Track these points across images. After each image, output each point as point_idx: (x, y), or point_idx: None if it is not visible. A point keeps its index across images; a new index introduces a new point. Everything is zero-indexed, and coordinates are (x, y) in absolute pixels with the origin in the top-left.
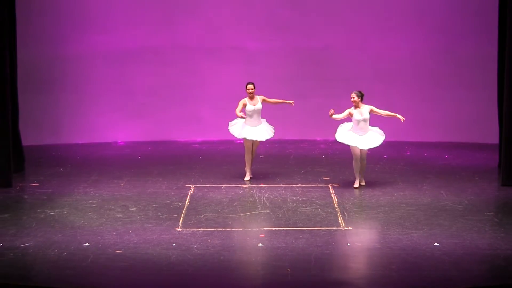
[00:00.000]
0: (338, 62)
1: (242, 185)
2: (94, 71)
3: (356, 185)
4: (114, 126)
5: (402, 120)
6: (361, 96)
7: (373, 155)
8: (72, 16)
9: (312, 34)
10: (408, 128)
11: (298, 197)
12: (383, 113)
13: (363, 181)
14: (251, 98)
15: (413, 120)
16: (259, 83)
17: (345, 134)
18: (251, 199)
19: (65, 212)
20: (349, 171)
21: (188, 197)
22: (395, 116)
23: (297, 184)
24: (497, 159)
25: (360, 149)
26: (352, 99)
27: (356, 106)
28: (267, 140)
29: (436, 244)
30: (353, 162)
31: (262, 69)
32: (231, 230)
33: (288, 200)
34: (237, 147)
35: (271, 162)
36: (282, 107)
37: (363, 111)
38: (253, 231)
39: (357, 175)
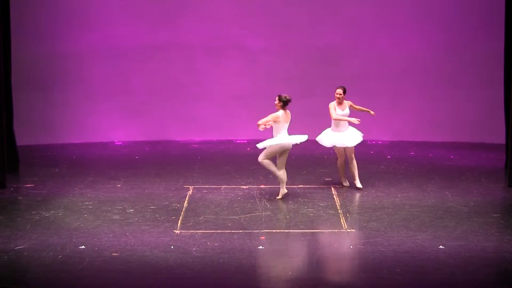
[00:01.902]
0: (343, 60)
1: (242, 186)
2: (90, 69)
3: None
4: (111, 125)
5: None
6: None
7: (376, 156)
8: (69, 13)
9: (316, 31)
10: (413, 127)
11: (299, 199)
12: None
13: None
14: (340, 103)
15: (418, 119)
16: (261, 82)
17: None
18: (251, 201)
19: (61, 214)
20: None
21: (186, 199)
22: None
23: (299, 185)
24: (503, 159)
25: (345, 148)
26: (338, 95)
27: (340, 102)
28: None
29: (441, 246)
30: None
31: (263, 68)
32: (231, 232)
33: (289, 202)
34: (237, 147)
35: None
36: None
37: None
38: (254, 233)
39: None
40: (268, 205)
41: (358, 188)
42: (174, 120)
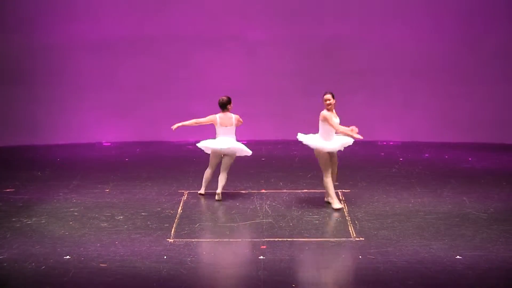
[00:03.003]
0: (351, 53)
1: (241, 191)
2: (76, 62)
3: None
4: (99, 124)
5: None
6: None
7: (387, 158)
8: (54, 1)
9: (322, 21)
10: (427, 127)
11: (303, 204)
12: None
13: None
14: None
15: (433, 118)
16: (261, 76)
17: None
18: (251, 207)
19: (43, 221)
20: (361, 175)
21: (181, 204)
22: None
23: (303, 189)
24: None
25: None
26: (328, 101)
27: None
28: (270, 141)
29: (458, 257)
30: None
31: (264, 61)
32: (229, 241)
33: (293, 208)
34: None
35: (273, 164)
36: (286, 102)
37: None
38: (254, 242)
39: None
40: (270, 212)
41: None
42: (168, 118)
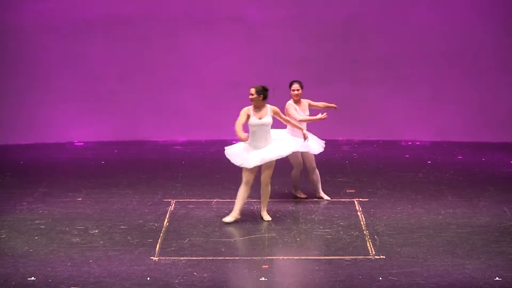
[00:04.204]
0: (371, 38)
1: None
2: (42, 48)
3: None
4: (70, 121)
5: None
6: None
7: (413, 160)
8: None
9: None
10: (460, 124)
11: (313, 216)
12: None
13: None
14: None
15: (467, 114)
16: (264, 64)
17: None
18: (250, 219)
19: (4, 236)
20: (382, 181)
21: (167, 216)
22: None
23: (312, 198)
24: None
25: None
26: (296, 91)
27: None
28: None
29: (497, 278)
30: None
31: (267, 47)
32: (224, 259)
33: (300, 220)
34: None
35: (277, 169)
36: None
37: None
38: (254, 260)
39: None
40: (273, 225)
41: (327, 200)
42: (151, 114)
